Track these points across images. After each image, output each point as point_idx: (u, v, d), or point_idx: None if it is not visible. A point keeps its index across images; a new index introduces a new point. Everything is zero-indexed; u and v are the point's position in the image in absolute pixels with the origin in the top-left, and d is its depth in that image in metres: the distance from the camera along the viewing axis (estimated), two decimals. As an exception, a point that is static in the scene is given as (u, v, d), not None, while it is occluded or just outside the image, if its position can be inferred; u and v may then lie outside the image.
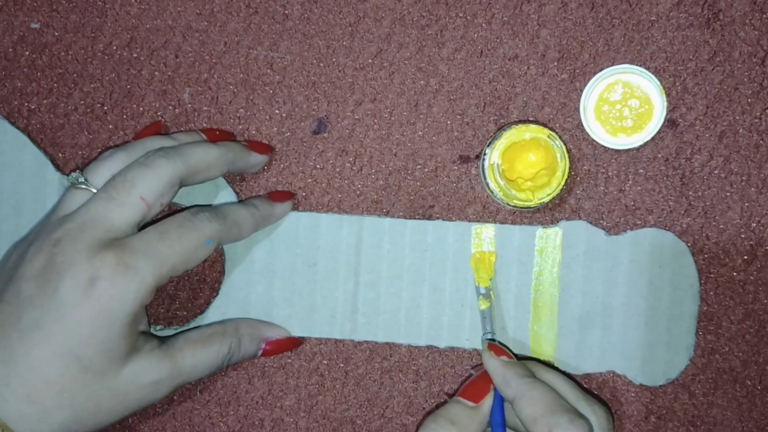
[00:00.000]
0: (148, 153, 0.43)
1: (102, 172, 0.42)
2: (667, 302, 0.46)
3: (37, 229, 0.43)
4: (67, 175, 0.43)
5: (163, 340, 0.42)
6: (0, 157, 0.47)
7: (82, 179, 0.42)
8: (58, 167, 0.48)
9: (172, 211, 0.46)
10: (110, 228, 0.40)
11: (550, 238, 0.46)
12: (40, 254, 0.40)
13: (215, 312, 0.47)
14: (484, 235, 0.47)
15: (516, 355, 0.44)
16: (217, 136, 0.46)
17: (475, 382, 0.43)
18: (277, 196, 0.47)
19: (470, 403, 0.42)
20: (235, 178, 0.48)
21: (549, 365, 0.46)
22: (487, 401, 0.42)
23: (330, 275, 0.47)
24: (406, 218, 0.47)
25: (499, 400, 0.42)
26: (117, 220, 0.40)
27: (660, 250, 0.46)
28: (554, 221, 0.47)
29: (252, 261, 0.47)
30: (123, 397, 0.40)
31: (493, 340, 0.45)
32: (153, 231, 0.41)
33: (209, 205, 0.46)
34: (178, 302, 0.48)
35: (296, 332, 0.47)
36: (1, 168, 0.47)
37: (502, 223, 0.47)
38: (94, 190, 0.42)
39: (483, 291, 0.46)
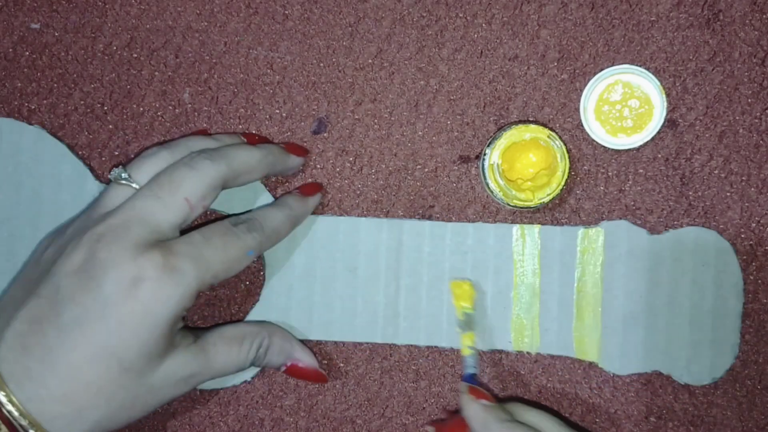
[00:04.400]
0: (192, 154, 0.42)
1: (145, 169, 0.42)
2: (711, 301, 0.45)
3: (74, 222, 0.42)
4: (110, 171, 0.43)
5: (197, 334, 0.42)
6: (40, 168, 0.47)
7: (125, 175, 0.42)
8: (97, 177, 0.48)
9: (207, 219, 0.46)
10: (155, 228, 0.40)
11: (591, 238, 0.46)
12: (81, 249, 0.39)
13: (256, 318, 0.47)
14: (527, 236, 0.46)
15: (498, 398, 0.44)
16: (256, 141, 0.46)
17: (454, 424, 0.43)
18: (307, 189, 0.46)
19: None
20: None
21: (532, 404, 0.45)
22: None
23: (371, 279, 0.47)
24: (406, 218, 0.47)
25: None
26: (161, 221, 0.40)
27: (703, 248, 0.46)
28: (554, 221, 0.47)
29: (292, 266, 0.47)
30: (156, 393, 0.40)
31: (473, 377, 0.44)
32: (198, 236, 0.40)
33: (248, 211, 0.45)
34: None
35: (337, 337, 0.47)
36: (41, 178, 0.47)
37: (502, 222, 0.47)
38: (137, 187, 0.41)
39: (464, 322, 0.45)
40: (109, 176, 0.43)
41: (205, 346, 0.42)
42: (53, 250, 0.41)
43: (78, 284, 0.38)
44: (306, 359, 0.46)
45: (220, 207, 0.47)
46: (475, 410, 0.41)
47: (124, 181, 0.42)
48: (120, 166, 0.42)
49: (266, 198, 0.47)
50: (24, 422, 0.37)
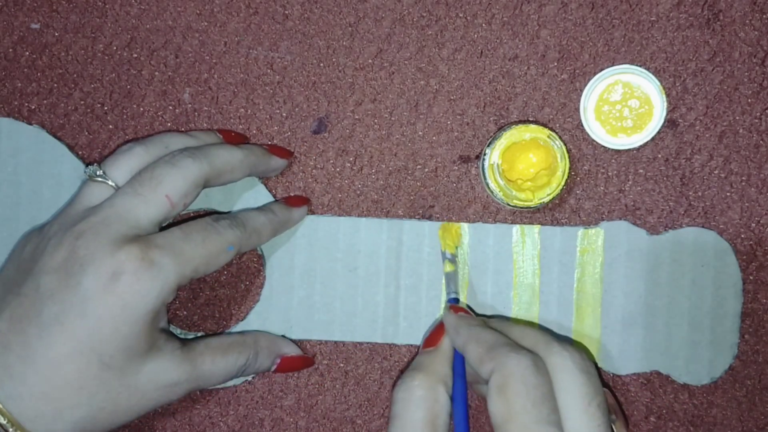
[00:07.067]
0: (174, 152, 0.42)
1: (120, 165, 0.42)
2: (710, 301, 0.46)
3: (53, 220, 0.42)
4: (84, 168, 0.43)
5: (184, 342, 0.42)
6: (39, 168, 0.47)
7: (100, 172, 0.42)
8: None
9: (187, 217, 0.46)
10: (134, 224, 0.40)
11: (591, 238, 0.46)
12: (62, 247, 0.39)
13: (256, 318, 0.47)
14: (527, 236, 0.46)
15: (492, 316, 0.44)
16: (233, 138, 0.46)
17: (431, 333, 0.43)
18: (293, 201, 0.47)
19: (430, 349, 0.42)
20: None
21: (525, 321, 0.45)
22: (445, 341, 0.42)
23: (371, 279, 0.47)
24: (406, 218, 0.47)
25: (460, 356, 0.42)
26: (141, 217, 0.40)
27: (702, 248, 0.46)
28: (554, 221, 0.47)
29: (292, 266, 0.47)
30: (140, 397, 0.40)
31: (457, 300, 0.45)
32: (177, 231, 0.41)
33: (229, 212, 0.46)
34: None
35: (337, 337, 0.47)
36: (41, 178, 0.47)
37: (502, 221, 0.47)
38: (112, 184, 0.42)
39: (449, 256, 0.46)
40: (84, 173, 0.43)
41: (191, 354, 0.42)
42: (32, 248, 0.41)
43: (58, 282, 0.38)
44: (291, 350, 0.46)
45: (220, 207, 0.47)
46: (449, 317, 0.43)
47: (99, 178, 0.42)
48: (95, 163, 0.42)
49: (267, 198, 0.47)
50: (4, 421, 0.37)
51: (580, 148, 0.47)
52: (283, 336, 0.47)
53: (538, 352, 0.38)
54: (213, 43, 0.48)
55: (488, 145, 0.46)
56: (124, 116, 0.48)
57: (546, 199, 0.45)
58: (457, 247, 0.46)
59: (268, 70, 0.48)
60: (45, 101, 0.48)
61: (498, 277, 0.47)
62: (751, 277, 0.46)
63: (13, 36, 0.48)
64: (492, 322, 0.42)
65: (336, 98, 0.48)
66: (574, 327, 0.46)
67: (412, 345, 0.47)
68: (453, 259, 0.46)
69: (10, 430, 0.37)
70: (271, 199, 0.47)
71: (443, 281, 0.46)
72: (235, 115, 0.48)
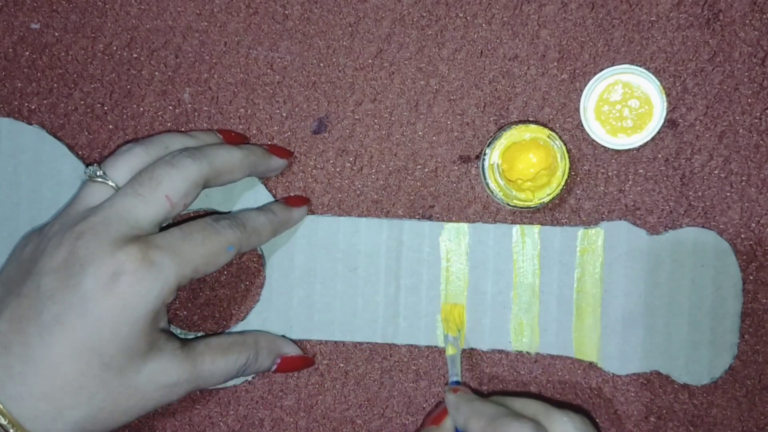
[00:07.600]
0: (174, 153, 0.42)
1: (120, 166, 0.42)
2: (710, 301, 0.46)
3: (53, 221, 0.42)
4: (84, 169, 0.43)
5: (184, 342, 0.42)
6: (40, 168, 0.47)
7: (100, 173, 0.42)
8: None
9: (187, 217, 0.46)
10: (134, 224, 0.40)
11: (591, 239, 0.46)
12: (62, 247, 0.39)
13: (256, 318, 0.47)
14: (527, 236, 0.46)
15: (519, 393, 0.45)
16: (233, 138, 0.47)
17: (436, 413, 0.45)
18: (294, 201, 0.47)
19: (432, 427, 0.44)
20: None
21: (525, 395, 0.46)
22: (448, 422, 0.43)
23: (371, 279, 0.47)
24: (406, 218, 0.47)
25: None
26: (141, 217, 0.40)
27: (702, 248, 0.46)
28: (554, 221, 0.47)
29: (292, 266, 0.47)
30: (140, 397, 0.40)
31: (458, 383, 0.45)
32: (177, 231, 0.41)
33: (228, 212, 0.46)
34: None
35: (337, 337, 0.47)
36: (41, 178, 0.47)
37: (502, 221, 0.47)
38: (112, 184, 0.42)
39: (451, 339, 0.46)
40: (84, 173, 0.43)
41: (192, 354, 0.42)
42: (33, 249, 0.41)
43: (58, 282, 0.38)
44: (291, 350, 0.46)
45: (220, 207, 0.47)
46: (449, 397, 0.44)
47: (99, 179, 0.42)
48: (95, 164, 0.42)
49: (267, 198, 0.47)
50: (4, 421, 0.37)
51: (580, 148, 0.47)
52: (283, 336, 0.47)
53: (540, 420, 0.40)
54: (213, 43, 0.48)
55: (488, 145, 0.46)
56: (124, 116, 0.48)
57: (546, 199, 0.45)
58: (459, 330, 0.46)
59: (268, 70, 0.48)
60: (45, 101, 0.48)
61: (498, 277, 0.47)
62: (751, 277, 0.46)
63: (13, 36, 0.48)
64: (492, 398, 0.43)
65: (336, 98, 0.48)
66: (574, 327, 0.46)
67: (412, 345, 0.47)
68: (455, 342, 0.46)
69: (11, 430, 0.37)
70: (271, 199, 0.47)
71: (442, 330, 0.47)
72: (235, 115, 0.48)
